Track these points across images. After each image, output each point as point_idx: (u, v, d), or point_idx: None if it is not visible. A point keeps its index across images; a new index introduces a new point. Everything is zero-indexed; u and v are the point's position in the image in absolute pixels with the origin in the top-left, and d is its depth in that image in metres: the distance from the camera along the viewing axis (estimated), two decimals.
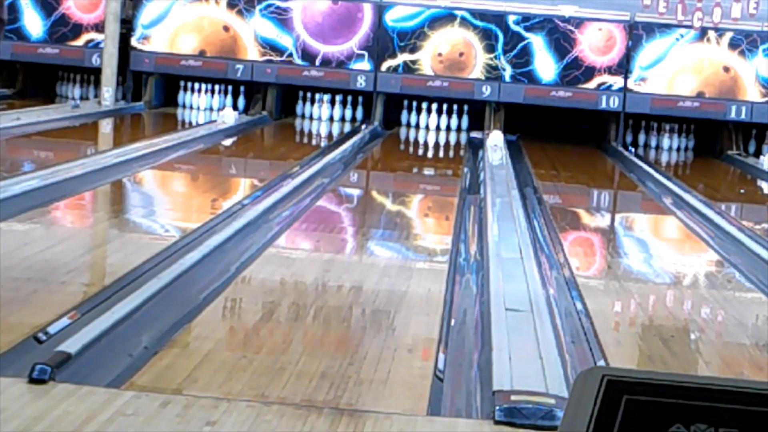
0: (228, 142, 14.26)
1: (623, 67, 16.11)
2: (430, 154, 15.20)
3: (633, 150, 16.07)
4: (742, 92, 16.01)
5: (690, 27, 15.99)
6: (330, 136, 15.61)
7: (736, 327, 6.56)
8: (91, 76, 16.57)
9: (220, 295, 6.18)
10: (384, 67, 16.30)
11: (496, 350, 5.12)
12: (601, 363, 5.40)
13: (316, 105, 16.57)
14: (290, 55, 16.23)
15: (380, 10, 16.31)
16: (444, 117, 16.55)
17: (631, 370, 1.94)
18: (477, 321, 6.12)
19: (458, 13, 16.29)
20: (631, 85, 16.11)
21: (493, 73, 16.23)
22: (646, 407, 1.84)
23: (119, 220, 8.48)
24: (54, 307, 5.44)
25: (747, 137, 16.28)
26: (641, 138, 16.52)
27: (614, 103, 16.10)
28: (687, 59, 16.09)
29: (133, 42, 16.20)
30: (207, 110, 16.40)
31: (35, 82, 16.86)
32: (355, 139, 14.88)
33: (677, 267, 8.59)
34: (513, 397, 4.35)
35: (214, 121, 15.35)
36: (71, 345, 4.62)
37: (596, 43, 16.21)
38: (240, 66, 16.18)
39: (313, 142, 15.72)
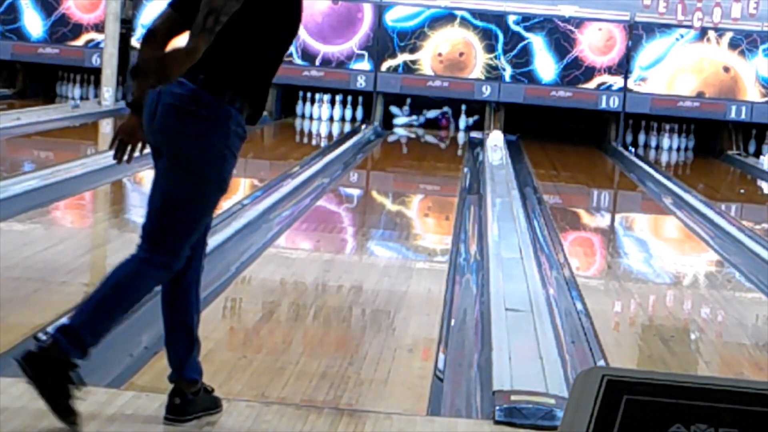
0: None
1: (623, 67, 16.10)
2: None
3: (633, 150, 16.07)
4: (742, 92, 16.01)
5: (690, 27, 15.99)
6: (330, 136, 15.61)
7: (736, 327, 6.56)
8: (91, 76, 16.57)
9: (220, 295, 6.17)
10: (384, 67, 16.30)
11: (496, 350, 5.11)
12: (601, 363, 5.40)
13: (316, 105, 16.57)
14: (290, 55, 16.22)
15: (380, 10, 16.31)
16: None
17: (631, 370, 1.94)
18: (477, 321, 6.12)
19: (458, 13, 16.29)
20: (631, 85, 16.11)
21: (493, 73, 16.23)
22: (646, 407, 1.84)
23: (119, 220, 8.48)
24: (54, 307, 5.43)
25: (747, 137, 16.28)
26: (641, 138, 16.52)
27: (614, 103, 16.10)
28: (687, 59, 16.09)
29: (133, 42, 16.18)
30: None
31: (35, 82, 16.86)
32: (355, 139, 14.88)
33: (677, 267, 8.59)
34: (513, 397, 4.34)
35: None
36: None
37: (596, 43, 16.21)
38: None
39: (313, 142, 15.72)
